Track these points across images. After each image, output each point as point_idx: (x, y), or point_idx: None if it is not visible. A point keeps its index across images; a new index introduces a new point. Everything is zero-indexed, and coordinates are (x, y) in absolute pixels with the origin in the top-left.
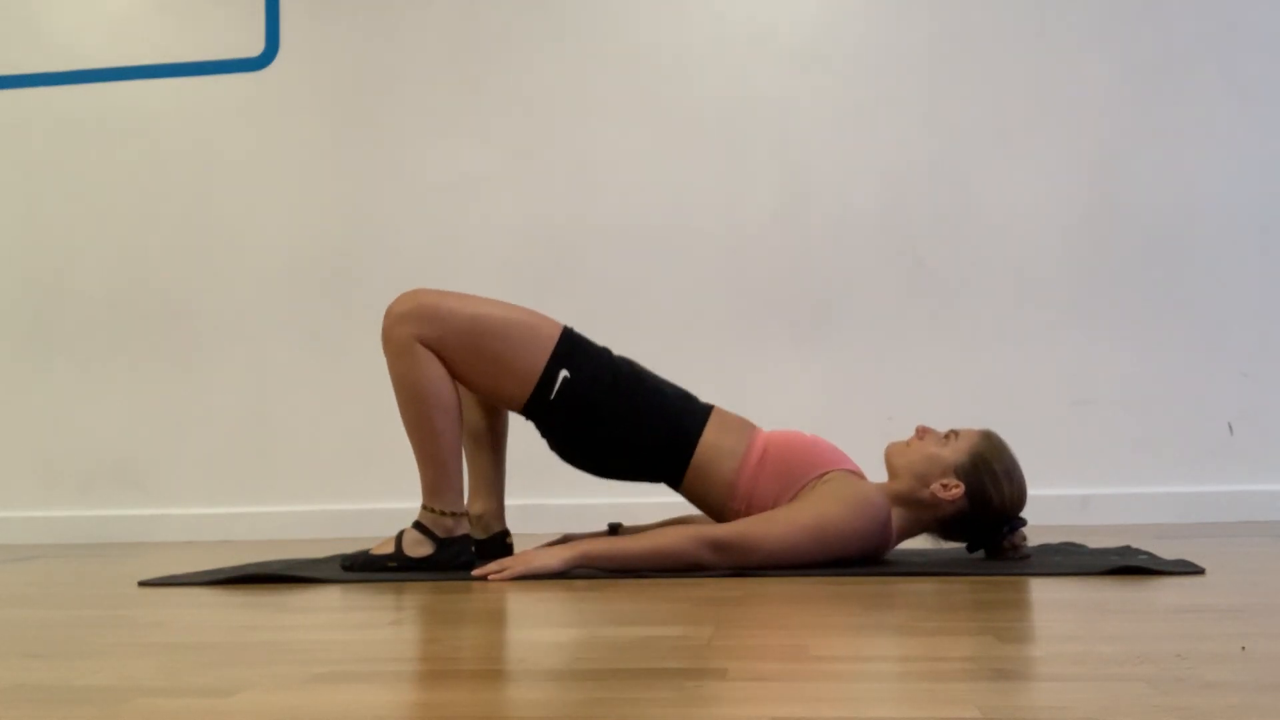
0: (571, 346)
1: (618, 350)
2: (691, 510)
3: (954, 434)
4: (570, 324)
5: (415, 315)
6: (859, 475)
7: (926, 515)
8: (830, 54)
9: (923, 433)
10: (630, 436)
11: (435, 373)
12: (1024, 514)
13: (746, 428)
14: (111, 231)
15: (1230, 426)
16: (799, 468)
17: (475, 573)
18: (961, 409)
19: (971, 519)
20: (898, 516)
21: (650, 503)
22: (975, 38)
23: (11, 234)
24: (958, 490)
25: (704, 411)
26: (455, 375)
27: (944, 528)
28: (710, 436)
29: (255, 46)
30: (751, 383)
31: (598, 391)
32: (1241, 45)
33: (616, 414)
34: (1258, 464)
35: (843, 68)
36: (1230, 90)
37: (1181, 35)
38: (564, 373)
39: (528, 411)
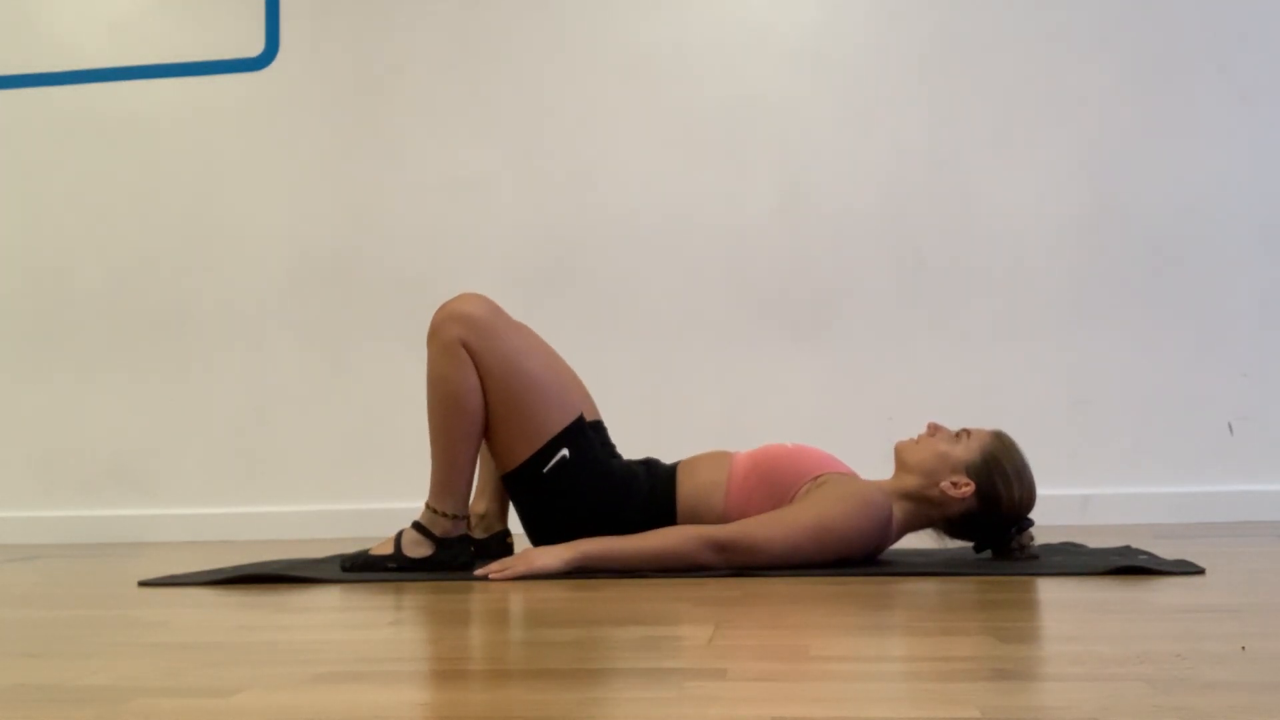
0: (580, 432)
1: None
2: None
3: (966, 432)
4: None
5: (469, 319)
6: (852, 476)
7: (934, 512)
8: (830, 54)
9: (934, 429)
10: (614, 517)
11: (472, 381)
12: None
13: (719, 457)
14: (111, 231)
15: (1230, 426)
16: (785, 476)
17: (477, 572)
18: (961, 409)
19: (980, 518)
20: (903, 512)
21: None
22: (975, 38)
23: (11, 234)
24: (968, 489)
25: (669, 472)
26: None
27: (952, 526)
28: (685, 488)
29: (255, 46)
30: (752, 383)
31: (585, 480)
32: (1241, 45)
33: (597, 501)
34: (1258, 464)
35: (842, 68)
36: (1230, 90)
37: (1181, 35)
38: (564, 451)
39: (514, 476)
